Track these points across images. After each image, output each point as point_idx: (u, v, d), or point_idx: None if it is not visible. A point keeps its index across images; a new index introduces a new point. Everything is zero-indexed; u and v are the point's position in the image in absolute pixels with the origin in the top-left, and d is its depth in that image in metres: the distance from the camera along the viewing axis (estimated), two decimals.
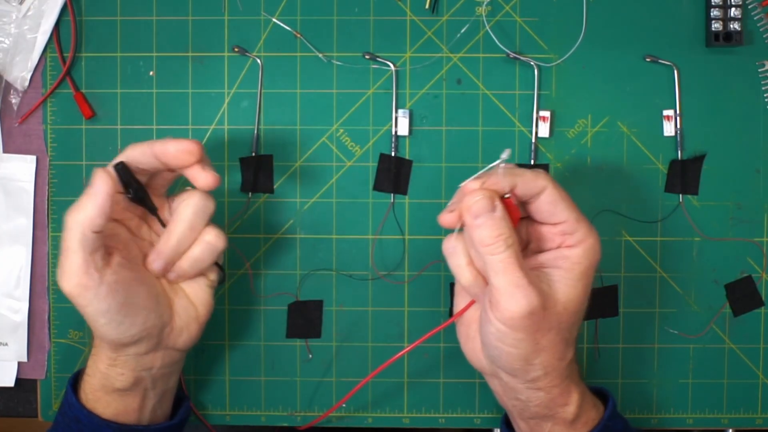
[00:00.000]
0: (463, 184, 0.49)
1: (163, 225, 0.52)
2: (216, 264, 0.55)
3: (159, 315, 0.52)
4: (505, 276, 0.47)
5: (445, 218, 0.50)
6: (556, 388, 0.50)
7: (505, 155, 0.48)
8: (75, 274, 0.48)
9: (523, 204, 0.50)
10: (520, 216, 0.49)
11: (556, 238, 0.50)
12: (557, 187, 0.49)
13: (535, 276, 0.49)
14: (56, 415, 0.55)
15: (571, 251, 0.49)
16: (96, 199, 0.48)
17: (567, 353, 0.50)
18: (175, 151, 0.49)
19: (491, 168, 0.49)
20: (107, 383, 0.52)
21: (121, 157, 0.50)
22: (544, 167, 0.60)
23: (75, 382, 0.55)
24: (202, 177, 0.50)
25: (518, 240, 0.48)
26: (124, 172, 0.49)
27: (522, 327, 0.47)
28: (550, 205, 0.49)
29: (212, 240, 0.52)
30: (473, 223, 0.48)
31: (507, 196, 0.49)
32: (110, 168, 0.49)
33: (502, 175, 0.48)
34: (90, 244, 0.48)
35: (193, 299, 0.54)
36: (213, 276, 0.55)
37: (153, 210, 0.52)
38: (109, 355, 0.52)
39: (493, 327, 0.48)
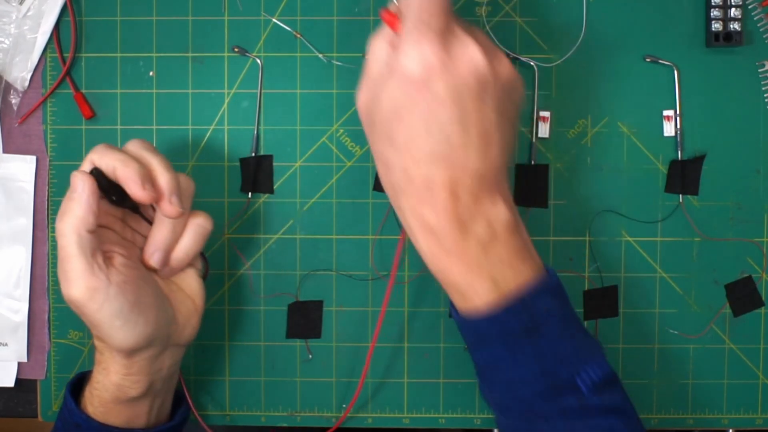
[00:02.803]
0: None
1: (148, 221, 0.52)
2: (201, 253, 0.55)
3: (165, 312, 0.52)
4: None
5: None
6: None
7: None
8: (81, 278, 0.48)
9: None
10: None
11: None
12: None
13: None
14: (56, 421, 0.55)
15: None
16: (82, 199, 0.48)
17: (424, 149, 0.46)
18: (134, 194, 0.49)
19: None
20: (121, 394, 0.52)
21: (91, 160, 0.50)
22: (544, 167, 0.60)
23: (73, 388, 0.55)
24: (165, 209, 0.50)
25: None
26: (99, 177, 0.49)
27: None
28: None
29: (202, 222, 0.53)
30: None
31: None
32: (86, 172, 0.49)
33: None
34: (88, 245, 0.48)
35: (188, 292, 0.55)
36: (199, 265, 0.56)
37: (135, 209, 0.52)
38: (123, 363, 0.51)
39: None
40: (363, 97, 0.49)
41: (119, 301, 0.48)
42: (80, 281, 0.48)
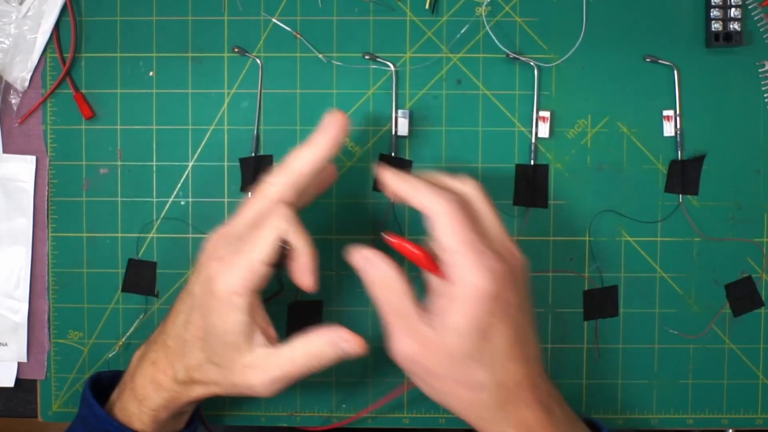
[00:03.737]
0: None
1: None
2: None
3: None
4: (385, 320, 0.49)
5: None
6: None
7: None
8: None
9: None
10: (421, 253, 0.49)
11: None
12: (453, 216, 0.47)
13: (416, 318, 0.47)
14: (76, 425, 0.55)
15: (447, 285, 0.47)
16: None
17: (475, 384, 0.47)
18: (304, 283, 0.49)
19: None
20: (170, 409, 0.52)
21: (280, 234, 0.48)
22: (544, 167, 0.60)
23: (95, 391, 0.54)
24: (308, 287, 0.50)
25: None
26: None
27: (409, 371, 0.49)
28: (437, 236, 0.47)
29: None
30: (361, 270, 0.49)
31: (390, 239, 0.49)
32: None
33: (402, 184, 0.49)
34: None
35: None
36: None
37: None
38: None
39: None
40: (410, 346, 0.48)
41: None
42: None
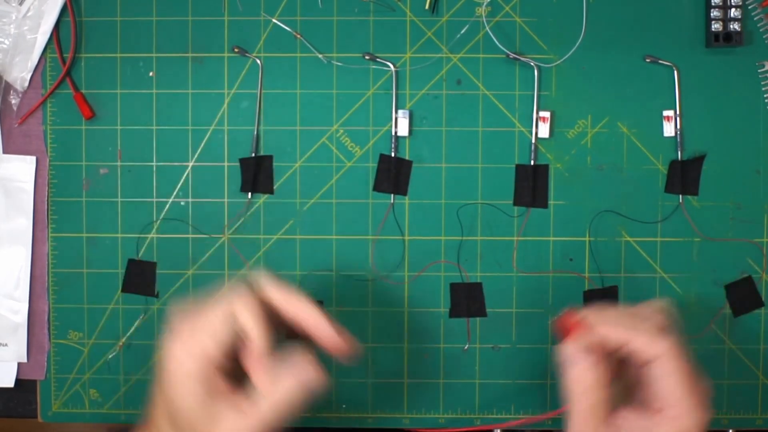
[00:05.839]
0: (570, 313, 0.50)
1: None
2: None
3: None
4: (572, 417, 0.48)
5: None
6: None
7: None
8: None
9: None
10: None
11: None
12: (673, 359, 0.47)
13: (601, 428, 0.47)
14: None
15: (659, 427, 0.47)
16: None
17: None
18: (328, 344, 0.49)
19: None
20: None
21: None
22: (544, 167, 0.60)
23: None
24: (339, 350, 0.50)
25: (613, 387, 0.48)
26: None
27: None
28: (657, 378, 0.47)
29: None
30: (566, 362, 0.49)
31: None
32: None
33: (614, 327, 0.48)
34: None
35: None
36: None
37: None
38: None
39: None
40: None
41: None
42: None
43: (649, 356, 0.47)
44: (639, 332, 0.48)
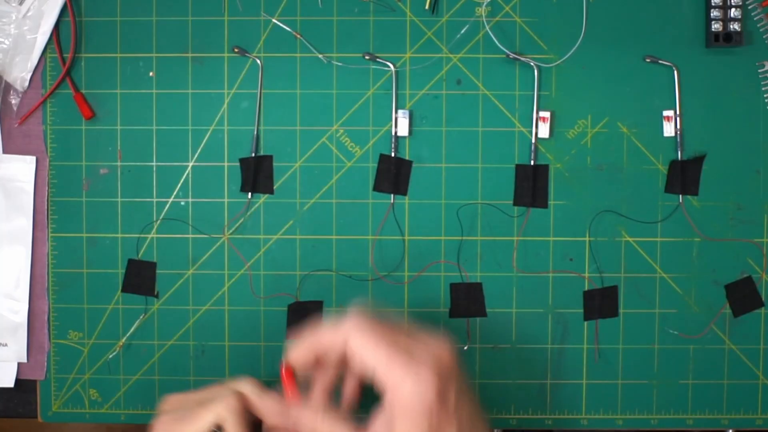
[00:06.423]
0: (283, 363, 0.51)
1: None
2: None
3: None
4: None
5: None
6: None
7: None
8: None
9: None
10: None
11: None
12: (358, 336, 0.47)
13: None
14: None
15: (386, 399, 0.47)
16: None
17: None
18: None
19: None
20: None
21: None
22: (544, 168, 0.60)
23: None
24: None
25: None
26: None
27: None
28: (354, 357, 0.48)
29: None
30: None
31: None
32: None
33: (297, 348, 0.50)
34: None
35: None
36: None
37: None
38: None
39: None
40: None
41: None
42: None
43: (338, 343, 0.48)
44: (319, 335, 0.49)
